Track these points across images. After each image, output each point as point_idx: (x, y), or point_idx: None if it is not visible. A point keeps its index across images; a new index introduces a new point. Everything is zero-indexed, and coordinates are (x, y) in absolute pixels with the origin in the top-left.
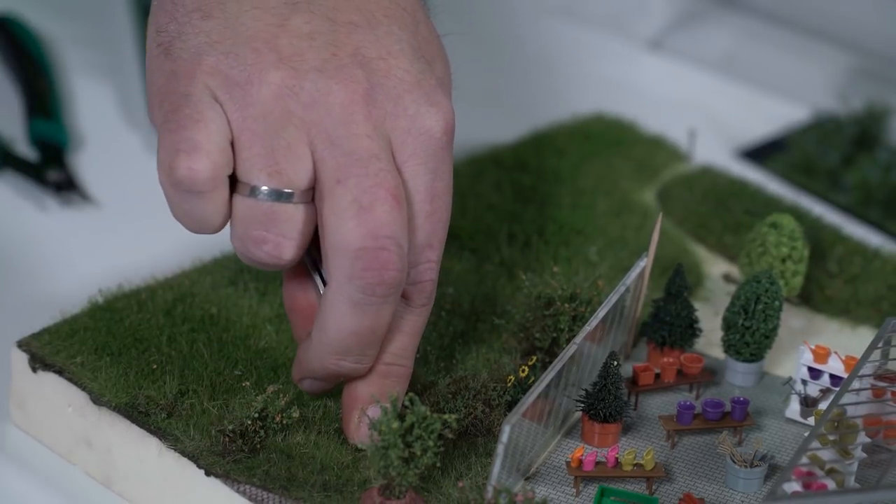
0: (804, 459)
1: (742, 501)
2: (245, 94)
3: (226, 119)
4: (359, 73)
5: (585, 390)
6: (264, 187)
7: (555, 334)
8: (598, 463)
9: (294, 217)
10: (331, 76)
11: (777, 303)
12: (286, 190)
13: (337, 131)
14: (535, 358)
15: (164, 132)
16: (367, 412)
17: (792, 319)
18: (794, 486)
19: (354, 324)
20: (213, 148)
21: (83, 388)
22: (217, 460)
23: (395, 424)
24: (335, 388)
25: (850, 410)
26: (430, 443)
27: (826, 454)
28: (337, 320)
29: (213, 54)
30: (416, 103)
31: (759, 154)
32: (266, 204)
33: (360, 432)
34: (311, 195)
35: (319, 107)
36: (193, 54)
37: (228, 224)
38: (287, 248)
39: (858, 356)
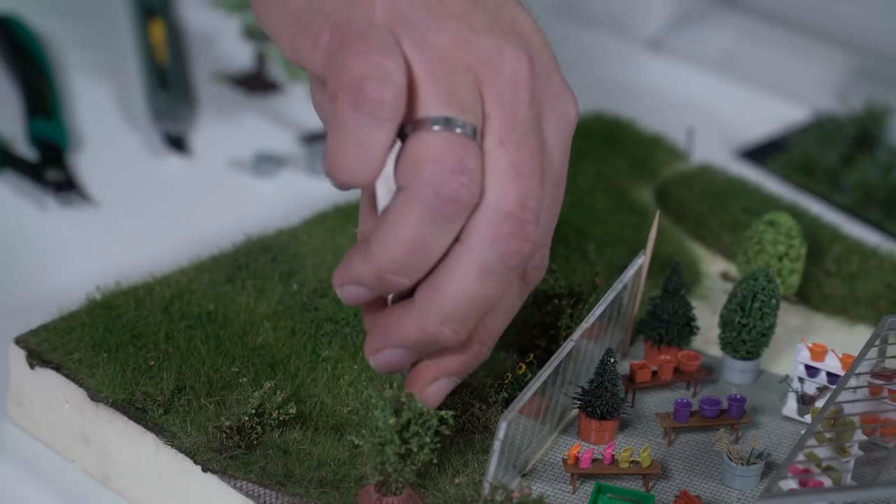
0: (801, 457)
1: (738, 499)
2: (423, 36)
3: (404, 60)
4: (521, 41)
5: (582, 387)
6: (456, 118)
7: (552, 332)
8: (594, 460)
9: (478, 156)
10: (502, 38)
11: (774, 301)
12: (475, 125)
13: (506, 93)
14: (532, 355)
15: (350, 53)
16: (435, 385)
17: (789, 317)
18: (790, 484)
19: (477, 289)
20: (401, 78)
21: (80, 384)
22: (214, 456)
23: (392, 421)
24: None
25: (847, 408)
26: (427, 439)
27: (822, 452)
28: (460, 282)
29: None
30: (561, 84)
31: (759, 154)
32: (459, 137)
33: (426, 397)
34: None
35: (493, 65)
36: None
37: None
38: (476, 183)
39: (855, 354)
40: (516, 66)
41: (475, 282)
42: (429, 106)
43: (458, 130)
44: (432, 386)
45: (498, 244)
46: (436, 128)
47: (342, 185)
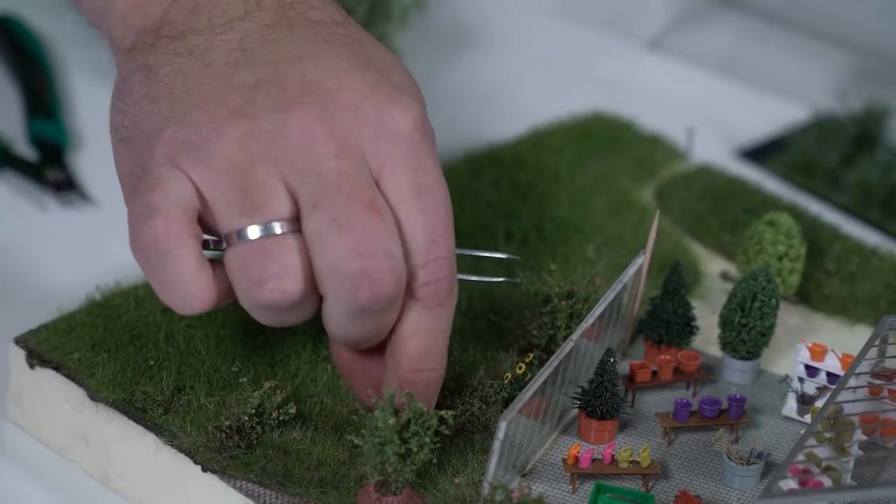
0: (800, 457)
1: (738, 499)
2: (205, 153)
3: (189, 184)
4: (309, 97)
5: (582, 387)
6: (248, 227)
7: (552, 331)
8: (594, 460)
9: (287, 247)
10: (283, 109)
11: (774, 300)
12: (270, 223)
13: (302, 159)
14: (532, 355)
15: (128, 207)
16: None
17: (789, 317)
18: (790, 484)
19: (357, 333)
20: (170, 207)
21: (80, 384)
22: (214, 456)
23: (392, 421)
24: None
25: (847, 408)
26: (427, 439)
27: (822, 452)
28: (341, 331)
29: (168, 127)
30: (377, 108)
31: (759, 154)
32: (255, 243)
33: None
34: (299, 226)
35: (280, 141)
36: (150, 134)
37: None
38: (290, 279)
39: (855, 354)
40: (303, 128)
41: (351, 328)
42: (222, 223)
43: (256, 236)
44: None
45: (350, 301)
46: (233, 243)
47: (189, 311)
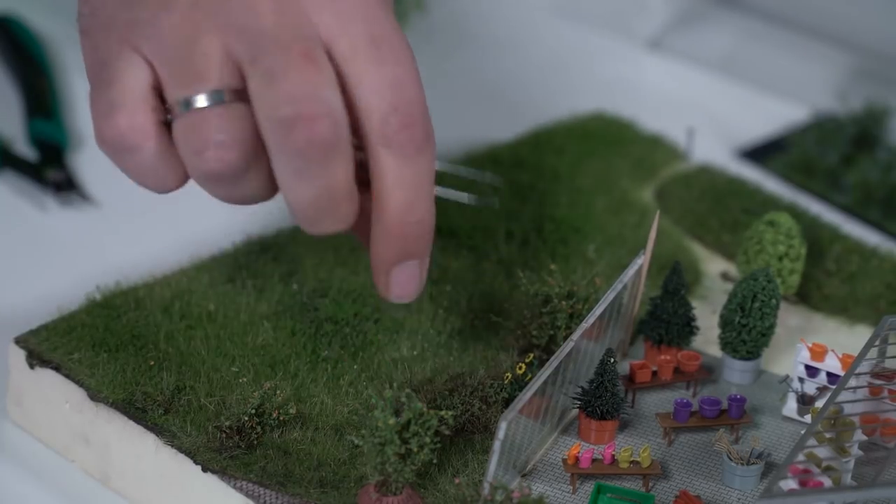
0: (800, 457)
1: (738, 499)
2: (154, 27)
3: (145, 64)
4: None
5: (582, 387)
6: (193, 97)
7: (552, 332)
8: (594, 460)
9: (229, 115)
10: None
11: (774, 301)
12: (212, 91)
13: (243, 19)
14: (532, 355)
15: (90, 104)
16: (393, 274)
17: (789, 317)
18: (790, 484)
19: (307, 191)
20: (130, 101)
21: (80, 384)
22: (214, 456)
23: (392, 421)
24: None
25: (847, 408)
26: (427, 439)
27: (822, 452)
28: (292, 194)
29: (121, 12)
30: None
31: (759, 154)
32: (197, 112)
33: (390, 291)
34: (245, 96)
35: (222, 7)
36: (105, 22)
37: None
38: (230, 148)
39: (855, 354)
40: None
41: (302, 187)
42: (170, 94)
43: (202, 104)
44: (394, 273)
45: (287, 147)
46: (181, 111)
47: (165, 191)
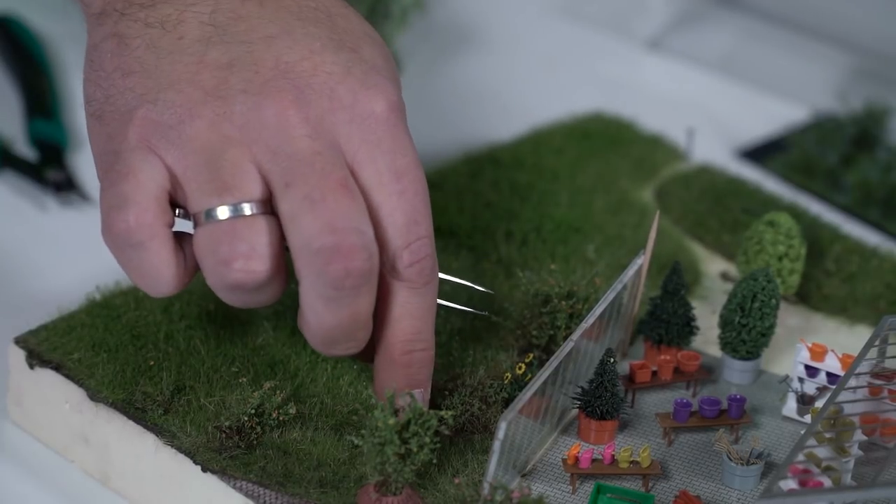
0: (800, 457)
1: (738, 499)
2: (179, 133)
3: (162, 166)
4: (284, 81)
5: (582, 387)
6: (218, 207)
7: (552, 332)
8: (594, 460)
9: (256, 228)
10: (258, 92)
11: (774, 301)
12: (240, 203)
13: (276, 141)
14: (531, 355)
15: (100, 193)
16: (397, 403)
17: (789, 317)
18: (790, 484)
19: (333, 319)
20: (143, 198)
21: (80, 384)
22: (214, 456)
23: (392, 421)
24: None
25: (847, 408)
26: (427, 439)
27: (822, 452)
28: (316, 317)
29: (141, 106)
30: (352, 91)
31: (759, 154)
32: (225, 223)
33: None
34: (270, 207)
35: (254, 124)
36: (123, 112)
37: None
38: (258, 260)
39: (855, 354)
40: (278, 112)
41: (328, 313)
42: (193, 202)
43: (225, 216)
44: (398, 402)
45: (323, 276)
46: (202, 222)
47: (159, 295)
